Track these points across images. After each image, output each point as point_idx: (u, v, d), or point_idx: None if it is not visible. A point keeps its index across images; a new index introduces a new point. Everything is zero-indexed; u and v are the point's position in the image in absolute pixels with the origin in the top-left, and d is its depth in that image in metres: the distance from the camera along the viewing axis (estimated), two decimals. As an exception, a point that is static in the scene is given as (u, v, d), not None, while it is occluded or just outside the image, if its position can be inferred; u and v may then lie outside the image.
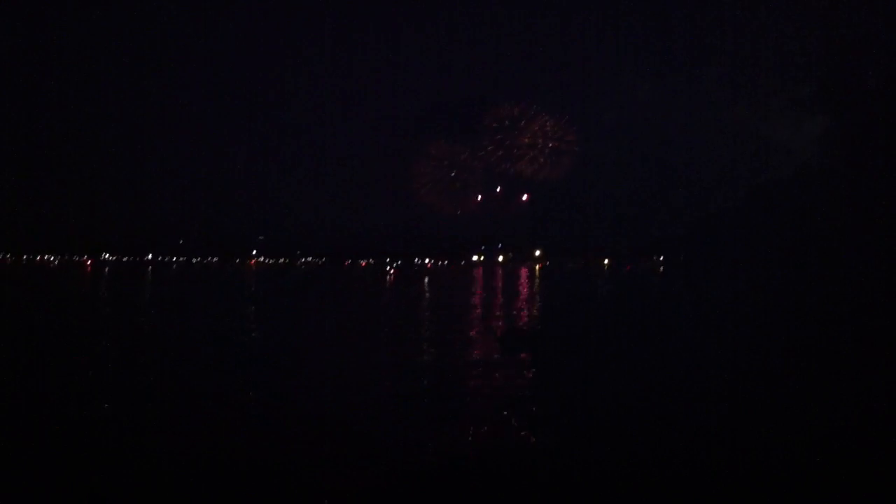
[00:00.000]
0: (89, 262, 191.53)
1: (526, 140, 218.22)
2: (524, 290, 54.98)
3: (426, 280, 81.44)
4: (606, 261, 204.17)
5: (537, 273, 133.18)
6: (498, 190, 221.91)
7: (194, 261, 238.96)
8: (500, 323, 25.68)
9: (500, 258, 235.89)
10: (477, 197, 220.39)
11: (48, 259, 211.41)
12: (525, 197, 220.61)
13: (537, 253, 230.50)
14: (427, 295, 48.40)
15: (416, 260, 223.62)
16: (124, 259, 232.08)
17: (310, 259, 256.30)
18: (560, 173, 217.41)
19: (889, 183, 66.07)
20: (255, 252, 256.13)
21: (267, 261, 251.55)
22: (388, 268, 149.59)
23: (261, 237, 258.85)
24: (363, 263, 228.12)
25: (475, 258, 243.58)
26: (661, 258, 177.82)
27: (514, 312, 31.86)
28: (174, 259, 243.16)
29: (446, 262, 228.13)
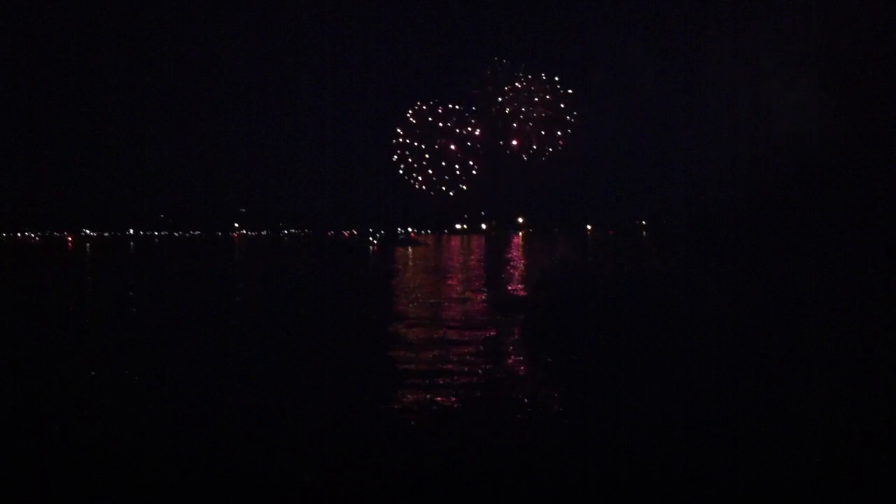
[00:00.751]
0: (70, 239, 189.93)
1: (519, 110, 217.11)
2: (511, 257, 55.24)
3: (409, 249, 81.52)
4: (589, 227, 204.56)
5: (521, 239, 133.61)
6: (473, 166, 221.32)
7: (176, 234, 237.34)
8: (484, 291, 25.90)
9: (484, 226, 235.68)
10: (465, 168, 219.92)
11: (29, 236, 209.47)
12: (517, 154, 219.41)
13: (520, 220, 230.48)
14: (410, 264, 48.49)
15: (398, 229, 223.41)
16: (105, 234, 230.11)
17: (293, 231, 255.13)
18: (552, 146, 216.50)
19: (889, 175, 66.44)
20: (237, 225, 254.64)
21: (249, 233, 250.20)
22: (371, 238, 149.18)
23: (243, 210, 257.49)
24: (346, 234, 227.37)
25: (458, 227, 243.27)
26: (644, 223, 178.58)
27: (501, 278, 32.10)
28: (156, 234, 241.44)
29: (429, 230, 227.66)
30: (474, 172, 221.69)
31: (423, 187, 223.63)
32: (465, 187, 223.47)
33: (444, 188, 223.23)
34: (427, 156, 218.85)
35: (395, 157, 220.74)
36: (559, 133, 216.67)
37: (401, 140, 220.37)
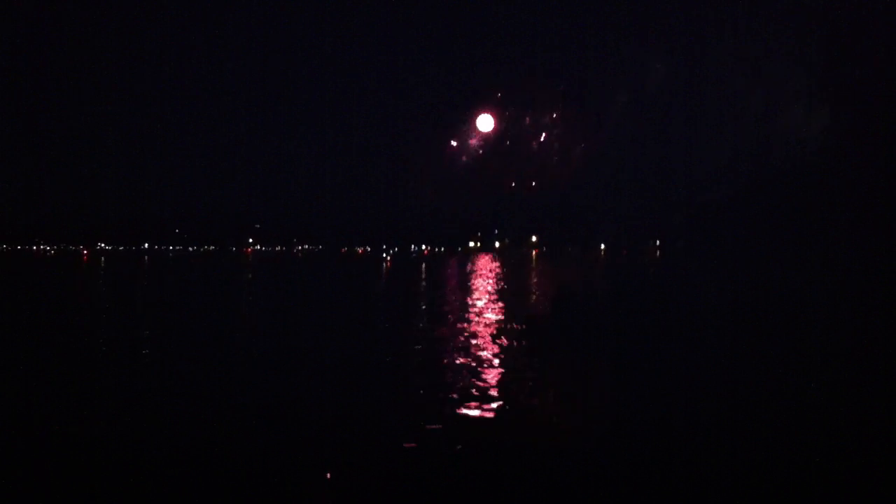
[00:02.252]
0: (85, 252, 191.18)
1: (532, 143, 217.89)
2: (527, 275, 55.22)
3: (423, 266, 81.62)
4: (603, 246, 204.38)
5: (533, 259, 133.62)
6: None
7: (191, 249, 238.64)
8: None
9: (497, 244, 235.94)
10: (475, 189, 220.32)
11: (44, 249, 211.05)
12: (531, 185, 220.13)
13: (534, 239, 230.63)
14: (423, 283, 48.48)
15: (412, 247, 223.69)
16: (120, 248, 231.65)
17: (306, 246, 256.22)
18: (567, 170, 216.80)
19: (890, 177, 66.18)
20: (251, 240, 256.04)
21: (263, 248, 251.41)
22: (384, 255, 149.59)
23: (257, 225, 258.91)
24: (360, 251, 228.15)
25: (472, 244, 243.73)
26: (658, 243, 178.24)
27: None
28: (170, 248, 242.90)
29: (443, 248, 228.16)
30: (489, 195, 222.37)
31: (437, 207, 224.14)
32: (478, 206, 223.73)
33: (457, 206, 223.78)
34: (442, 179, 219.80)
35: (409, 178, 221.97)
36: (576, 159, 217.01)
37: (416, 161, 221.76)
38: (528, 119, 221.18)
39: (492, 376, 12.12)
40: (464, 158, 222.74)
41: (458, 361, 13.61)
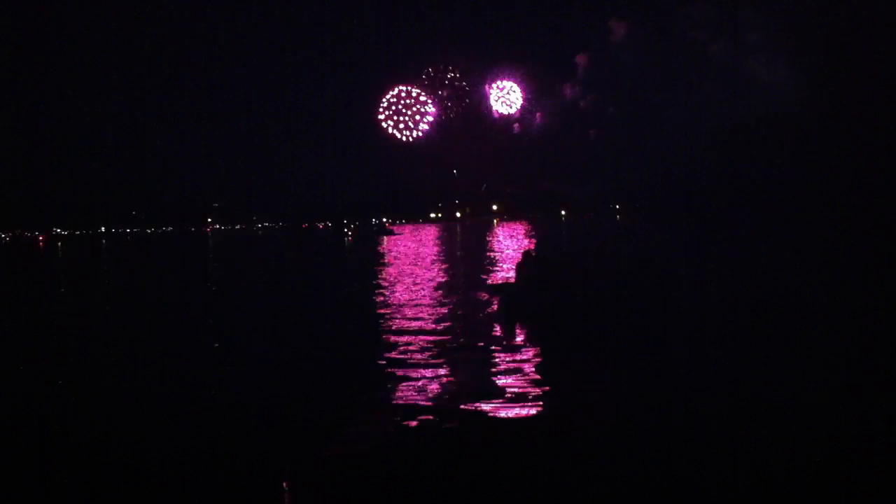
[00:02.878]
0: (42, 238, 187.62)
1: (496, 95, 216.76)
2: (487, 245, 55.33)
3: (385, 240, 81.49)
4: (563, 212, 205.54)
5: (495, 226, 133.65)
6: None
7: (149, 231, 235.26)
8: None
9: (458, 214, 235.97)
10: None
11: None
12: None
13: (494, 207, 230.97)
14: (387, 258, 48.43)
15: (373, 220, 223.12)
16: (77, 233, 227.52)
17: (266, 224, 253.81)
18: (530, 127, 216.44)
19: (865, 128, 67.19)
20: (209, 220, 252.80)
21: (222, 227, 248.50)
22: (346, 230, 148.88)
23: (215, 204, 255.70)
24: (321, 226, 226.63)
25: (433, 215, 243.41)
26: (617, 206, 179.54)
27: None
28: (128, 231, 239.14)
29: (404, 220, 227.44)
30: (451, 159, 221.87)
31: (398, 178, 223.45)
32: (437, 176, 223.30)
33: (415, 176, 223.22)
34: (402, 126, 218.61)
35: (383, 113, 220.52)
36: (536, 115, 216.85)
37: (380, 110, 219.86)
38: (489, 86, 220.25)
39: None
40: (423, 132, 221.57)
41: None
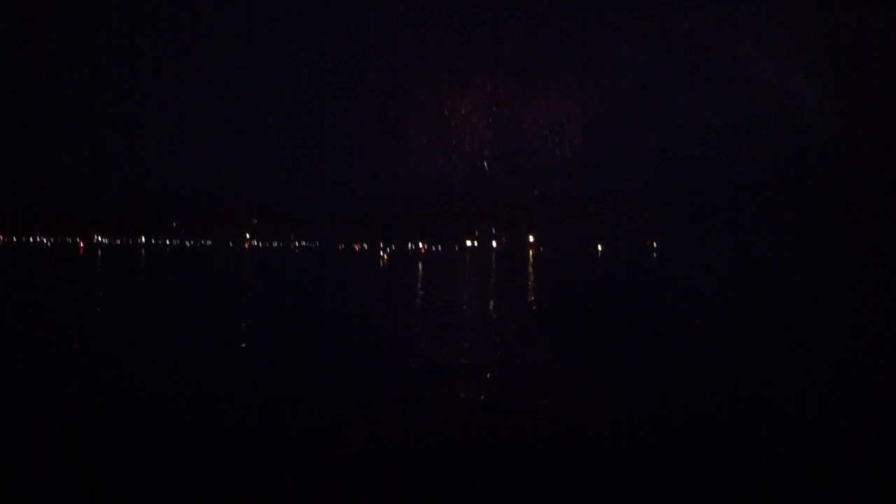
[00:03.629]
0: (82, 245, 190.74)
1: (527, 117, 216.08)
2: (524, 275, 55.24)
3: (420, 265, 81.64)
4: (600, 246, 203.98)
5: (530, 258, 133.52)
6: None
7: (187, 244, 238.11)
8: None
9: (494, 243, 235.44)
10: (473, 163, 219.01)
11: (41, 241, 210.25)
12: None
13: (531, 238, 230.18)
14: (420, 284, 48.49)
15: (409, 245, 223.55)
16: (117, 241, 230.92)
17: (304, 243, 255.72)
18: (565, 148, 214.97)
19: (872, 134, 66.02)
20: (248, 236, 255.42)
21: (260, 244, 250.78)
22: (381, 252, 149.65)
23: (254, 220, 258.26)
24: (357, 247, 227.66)
25: (469, 243, 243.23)
26: (655, 244, 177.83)
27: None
28: (167, 241, 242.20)
29: (439, 246, 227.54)
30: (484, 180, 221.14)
31: (435, 199, 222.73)
32: (474, 199, 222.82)
33: (454, 200, 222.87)
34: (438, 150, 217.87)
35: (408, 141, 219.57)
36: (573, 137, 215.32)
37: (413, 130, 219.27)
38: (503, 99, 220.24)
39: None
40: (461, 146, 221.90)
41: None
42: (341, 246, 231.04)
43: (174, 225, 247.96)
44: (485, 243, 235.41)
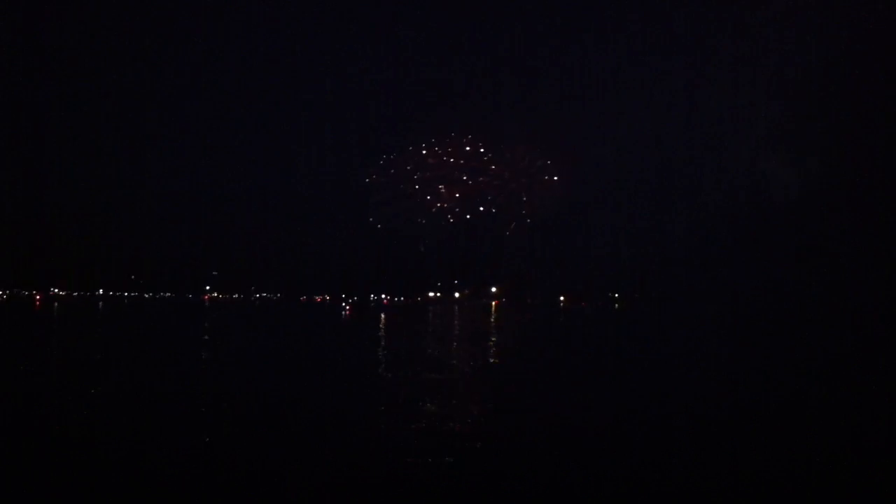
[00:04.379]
0: (38, 297, 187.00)
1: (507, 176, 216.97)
2: (485, 327, 55.25)
3: (382, 316, 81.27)
4: (562, 298, 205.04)
5: (493, 310, 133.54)
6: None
7: (146, 296, 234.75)
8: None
9: (457, 294, 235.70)
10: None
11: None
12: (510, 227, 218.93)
13: (493, 290, 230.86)
14: (382, 333, 48.36)
15: (371, 296, 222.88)
16: (74, 294, 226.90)
17: (264, 294, 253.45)
18: (544, 210, 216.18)
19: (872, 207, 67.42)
20: (208, 287, 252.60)
21: (220, 296, 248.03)
22: (343, 304, 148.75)
23: (214, 272, 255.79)
24: (318, 299, 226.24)
25: (431, 294, 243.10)
26: (616, 295, 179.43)
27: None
28: (125, 294, 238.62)
29: (402, 297, 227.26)
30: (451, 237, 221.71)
31: (397, 255, 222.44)
32: (437, 254, 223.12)
33: (415, 255, 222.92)
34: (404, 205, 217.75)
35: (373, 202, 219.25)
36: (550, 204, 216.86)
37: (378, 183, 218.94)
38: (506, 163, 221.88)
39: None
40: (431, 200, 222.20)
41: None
42: (303, 298, 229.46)
43: (132, 277, 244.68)
44: (447, 295, 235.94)
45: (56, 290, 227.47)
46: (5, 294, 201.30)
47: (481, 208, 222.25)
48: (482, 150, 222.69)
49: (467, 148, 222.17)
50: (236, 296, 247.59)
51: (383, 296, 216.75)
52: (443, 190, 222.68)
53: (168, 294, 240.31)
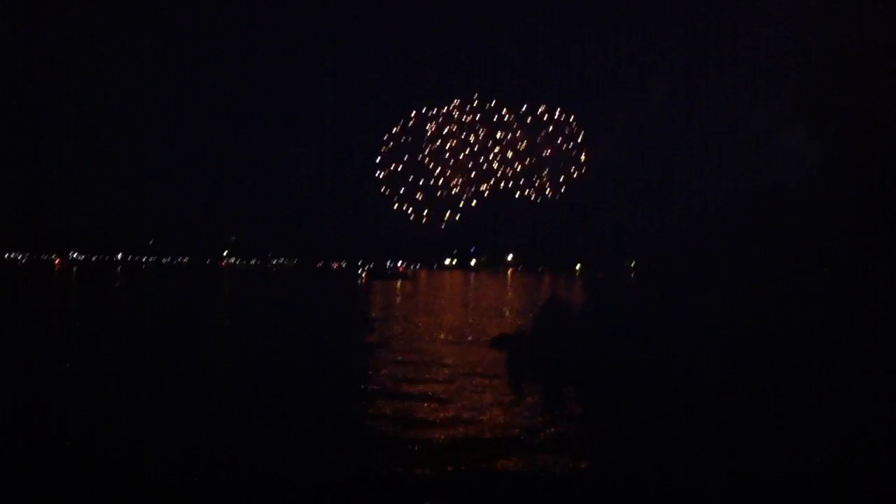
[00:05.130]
0: (58, 261, 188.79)
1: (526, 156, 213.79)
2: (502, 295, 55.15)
3: (398, 283, 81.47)
4: (578, 266, 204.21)
5: (509, 277, 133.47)
6: (473, 203, 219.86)
7: (164, 261, 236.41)
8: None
9: (473, 262, 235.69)
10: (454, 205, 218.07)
11: (14, 257, 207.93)
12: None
13: (510, 257, 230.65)
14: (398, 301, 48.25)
15: (388, 263, 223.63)
16: (93, 258, 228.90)
17: (282, 260, 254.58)
18: (560, 194, 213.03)
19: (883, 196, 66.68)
20: (225, 253, 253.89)
21: (238, 261, 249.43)
22: (360, 270, 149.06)
23: (233, 237, 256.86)
24: (335, 265, 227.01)
25: (447, 261, 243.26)
26: (633, 263, 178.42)
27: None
28: (144, 259, 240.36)
29: (418, 265, 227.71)
30: (468, 202, 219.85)
31: (411, 213, 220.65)
32: (457, 217, 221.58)
33: (432, 224, 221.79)
34: (418, 180, 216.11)
35: (381, 173, 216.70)
36: (567, 172, 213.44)
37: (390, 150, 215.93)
38: (516, 134, 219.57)
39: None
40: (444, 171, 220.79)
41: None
42: (319, 263, 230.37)
43: (150, 242, 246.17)
44: (463, 262, 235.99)
45: (76, 255, 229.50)
46: (24, 258, 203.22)
47: (500, 182, 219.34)
48: (502, 115, 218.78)
49: (477, 115, 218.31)
50: (254, 262, 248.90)
51: (399, 263, 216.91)
52: (458, 159, 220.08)
53: (185, 259, 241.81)
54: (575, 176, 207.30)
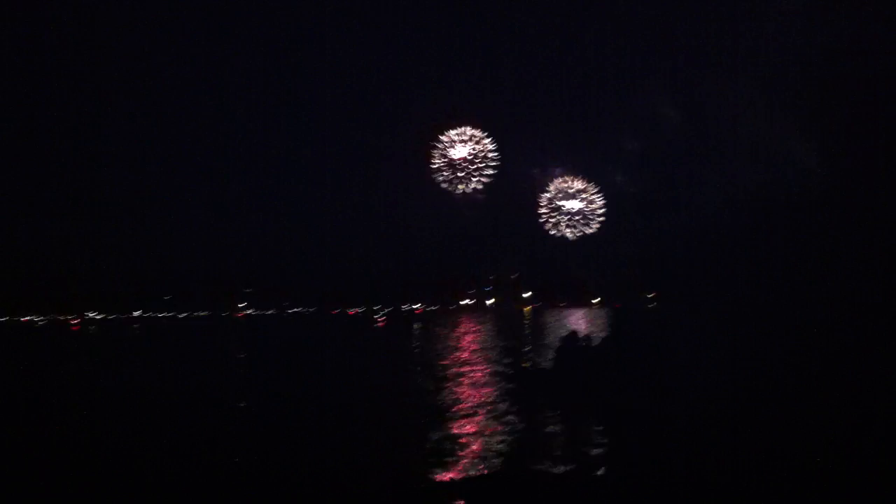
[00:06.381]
0: (75, 322, 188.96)
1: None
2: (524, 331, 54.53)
3: (415, 326, 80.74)
4: (598, 299, 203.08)
5: (526, 315, 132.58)
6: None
7: (180, 316, 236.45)
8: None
9: (489, 301, 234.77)
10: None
11: (32, 319, 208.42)
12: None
13: (526, 295, 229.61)
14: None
15: (403, 306, 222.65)
16: (111, 317, 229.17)
17: (298, 309, 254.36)
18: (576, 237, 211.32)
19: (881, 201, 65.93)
20: (240, 305, 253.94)
21: (254, 312, 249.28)
22: (376, 315, 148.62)
23: (248, 289, 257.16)
24: (350, 312, 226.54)
25: (464, 302, 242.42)
26: (652, 295, 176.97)
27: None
28: (161, 315, 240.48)
29: (436, 307, 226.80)
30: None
31: (430, 261, 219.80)
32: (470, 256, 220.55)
33: (448, 260, 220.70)
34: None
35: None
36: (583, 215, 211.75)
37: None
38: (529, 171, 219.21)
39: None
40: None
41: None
42: (335, 311, 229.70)
43: (166, 298, 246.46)
44: (480, 301, 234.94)
45: (92, 315, 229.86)
46: (42, 320, 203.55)
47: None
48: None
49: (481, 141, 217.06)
50: (270, 312, 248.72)
51: (416, 305, 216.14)
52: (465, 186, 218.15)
53: (203, 313, 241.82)
54: (588, 232, 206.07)
